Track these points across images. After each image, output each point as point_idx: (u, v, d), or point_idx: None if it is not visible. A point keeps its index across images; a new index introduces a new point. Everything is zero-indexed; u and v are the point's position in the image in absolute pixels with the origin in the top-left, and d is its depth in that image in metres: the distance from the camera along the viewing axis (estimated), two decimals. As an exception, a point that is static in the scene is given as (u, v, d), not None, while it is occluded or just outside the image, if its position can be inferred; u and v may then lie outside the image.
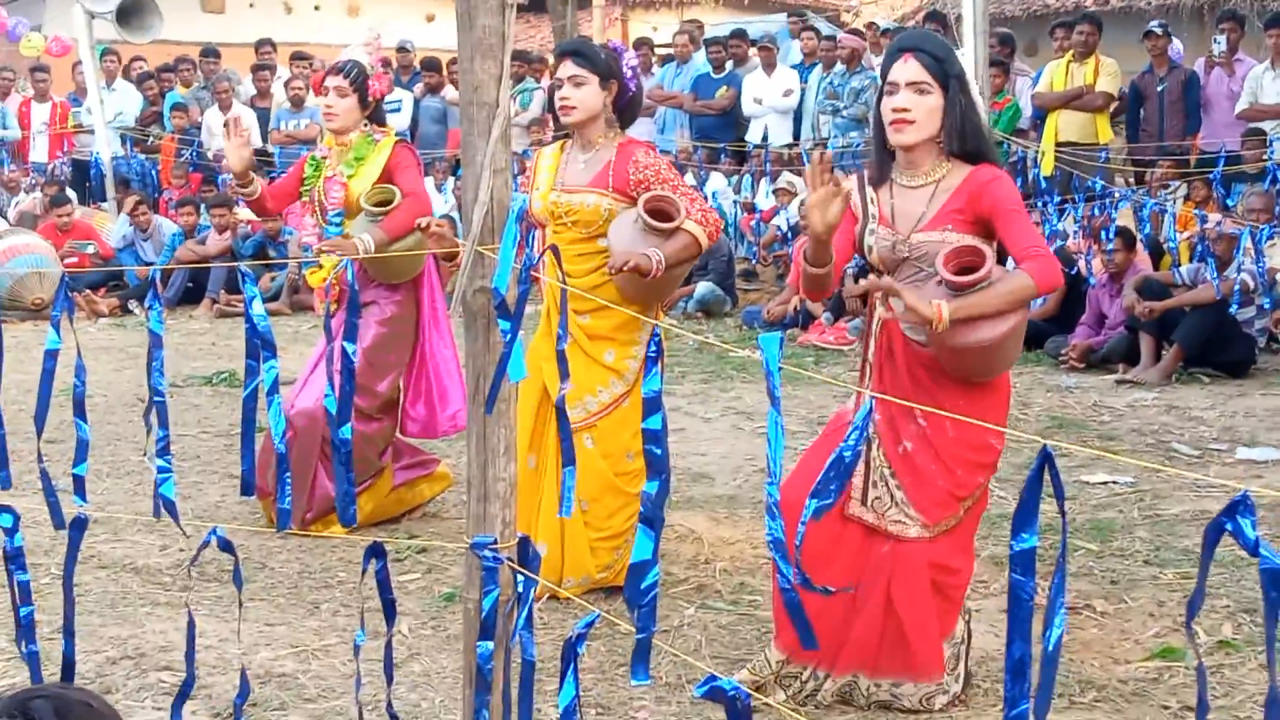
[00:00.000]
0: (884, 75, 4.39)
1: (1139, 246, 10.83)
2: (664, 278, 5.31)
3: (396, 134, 6.63)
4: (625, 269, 5.18)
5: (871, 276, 4.21)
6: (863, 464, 4.42)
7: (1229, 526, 1.80)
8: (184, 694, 3.24)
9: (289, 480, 3.20)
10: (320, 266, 6.35)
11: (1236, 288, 9.73)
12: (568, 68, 5.51)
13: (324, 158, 6.54)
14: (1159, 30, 12.92)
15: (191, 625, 3.28)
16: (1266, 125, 12.08)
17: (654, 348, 2.49)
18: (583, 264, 5.53)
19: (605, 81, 5.55)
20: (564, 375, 2.91)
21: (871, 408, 3.10)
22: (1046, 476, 2.02)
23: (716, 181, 14.75)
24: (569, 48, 5.70)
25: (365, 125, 6.49)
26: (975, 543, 4.73)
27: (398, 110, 15.59)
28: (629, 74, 5.59)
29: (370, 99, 6.48)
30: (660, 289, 5.44)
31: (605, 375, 5.48)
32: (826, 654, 4.48)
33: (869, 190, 4.43)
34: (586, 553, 5.57)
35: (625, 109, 5.65)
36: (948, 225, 4.29)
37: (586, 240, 5.53)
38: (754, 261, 14.63)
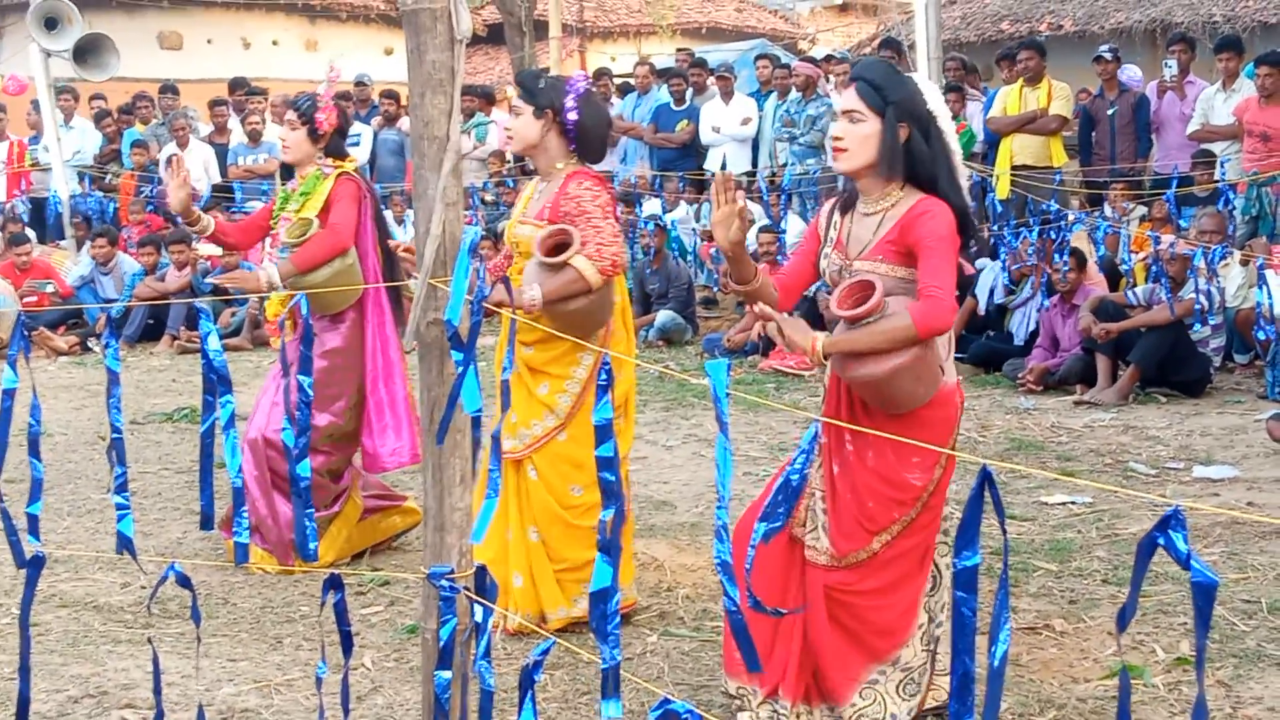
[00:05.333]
0: None
1: (1092, 267, 10.94)
2: (569, 312, 5.28)
3: (355, 168, 6.61)
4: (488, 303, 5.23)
5: (760, 305, 4.26)
6: (810, 485, 4.48)
7: (1161, 540, 1.84)
8: (155, 731, 3.25)
9: (245, 514, 3.21)
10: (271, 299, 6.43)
11: (1197, 307, 9.82)
12: (513, 97, 5.58)
13: (293, 191, 6.59)
14: (1108, 55, 13.05)
15: (156, 662, 3.29)
16: (1217, 147, 12.21)
17: (604, 376, 2.52)
18: None
19: (540, 111, 5.52)
20: (505, 405, 2.93)
21: (817, 432, 3.15)
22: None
23: (678, 210, 14.81)
24: (516, 77, 5.76)
25: (320, 159, 6.52)
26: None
27: (356, 144, 15.61)
28: (568, 104, 5.50)
29: (319, 132, 6.50)
30: (575, 322, 5.31)
31: (539, 409, 5.49)
32: (771, 679, 4.51)
33: (835, 215, 4.49)
34: (554, 584, 5.58)
35: (577, 139, 5.56)
36: (879, 256, 4.34)
37: None
38: (714, 289, 14.69)
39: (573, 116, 5.49)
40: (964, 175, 4.50)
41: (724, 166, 15.13)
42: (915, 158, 4.35)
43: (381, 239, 6.59)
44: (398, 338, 6.55)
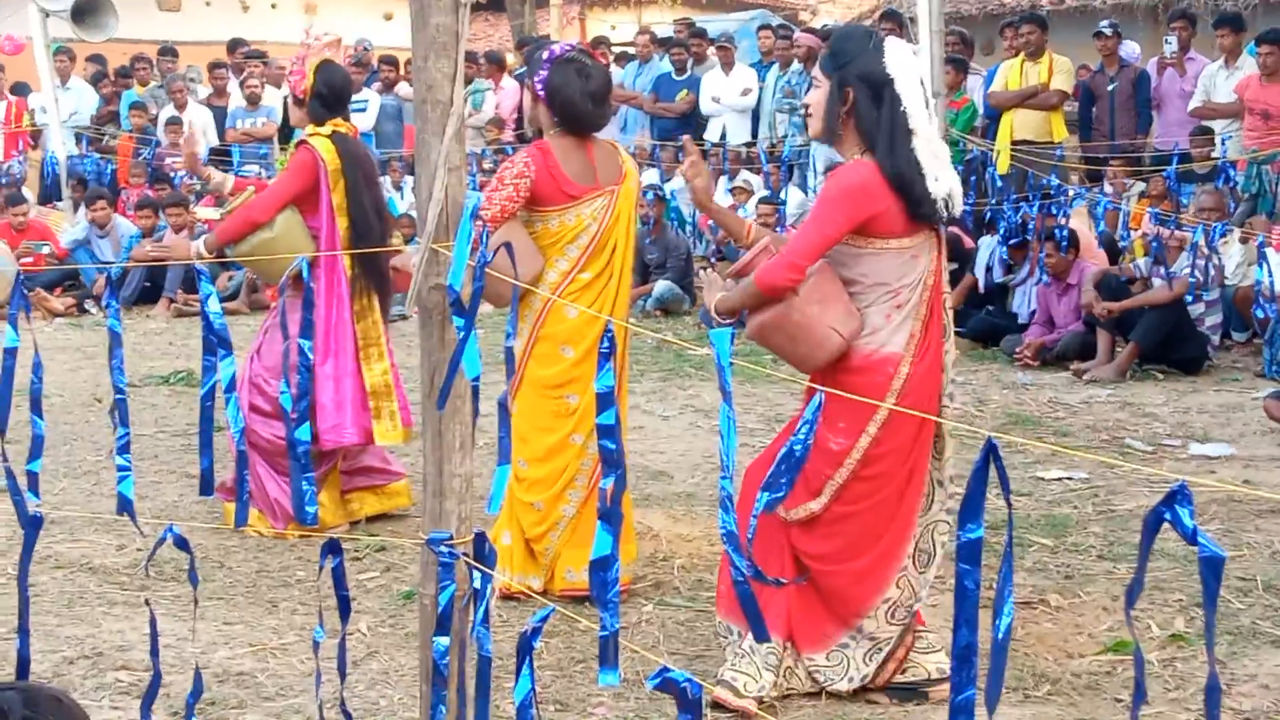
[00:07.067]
0: None
1: (1092, 244, 10.91)
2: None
3: (330, 133, 6.45)
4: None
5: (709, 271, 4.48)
6: None
7: (1167, 516, 1.83)
8: (151, 693, 3.24)
9: (248, 477, 3.21)
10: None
11: (1191, 280, 9.79)
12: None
13: None
14: (1108, 30, 13.02)
15: (153, 624, 3.28)
16: (1217, 124, 12.19)
17: (606, 343, 2.51)
18: None
19: (524, 83, 5.60)
20: (509, 372, 2.92)
21: (821, 402, 3.22)
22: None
23: (677, 180, 14.77)
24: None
25: (306, 125, 6.49)
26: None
27: (363, 110, 15.53)
28: (538, 75, 5.47)
29: (296, 96, 6.49)
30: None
31: None
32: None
33: None
34: (525, 550, 5.60)
35: (552, 109, 5.50)
36: None
37: None
38: (712, 260, 14.67)
39: (539, 87, 5.46)
40: (924, 139, 4.37)
41: (723, 137, 15.10)
42: (858, 121, 4.38)
43: (352, 209, 6.42)
44: (351, 315, 6.41)
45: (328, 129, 6.43)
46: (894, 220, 4.36)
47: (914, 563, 4.58)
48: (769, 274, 4.34)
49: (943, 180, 4.37)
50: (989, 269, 11.40)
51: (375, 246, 6.35)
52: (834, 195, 4.37)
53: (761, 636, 2.50)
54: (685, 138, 5.22)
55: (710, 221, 14.38)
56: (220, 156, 15.47)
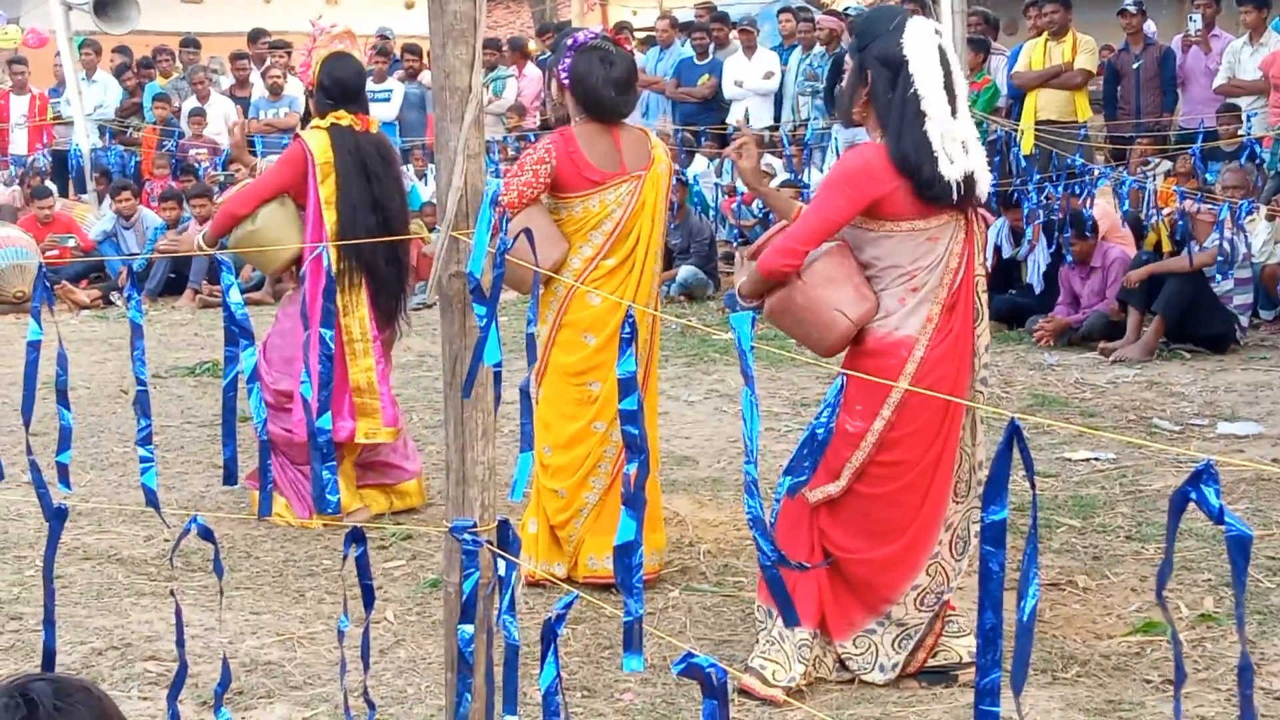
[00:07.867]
0: None
1: (1117, 223, 10.83)
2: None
3: (329, 125, 6.39)
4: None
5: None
6: None
7: (1194, 496, 1.82)
8: (178, 684, 3.25)
9: (271, 467, 3.21)
10: None
11: (1220, 257, 9.71)
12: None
13: None
14: (1133, 8, 12.94)
15: (179, 614, 3.29)
16: (1243, 101, 12.11)
17: (628, 329, 2.50)
18: None
19: (549, 71, 5.60)
20: (531, 359, 2.92)
21: (842, 385, 3.23)
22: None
23: (698, 164, 14.75)
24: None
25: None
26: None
27: (387, 100, 15.53)
28: (562, 63, 5.45)
29: (307, 88, 6.51)
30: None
31: None
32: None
33: None
34: (550, 537, 5.60)
35: (578, 98, 5.47)
36: None
37: None
38: (736, 245, 14.63)
39: (563, 75, 5.46)
40: (937, 121, 4.30)
41: (747, 120, 15.05)
42: (875, 103, 4.37)
43: (340, 203, 6.33)
44: (338, 309, 6.28)
45: (327, 121, 6.41)
46: (903, 203, 4.32)
47: (950, 550, 4.55)
48: (767, 258, 4.35)
49: (959, 162, 4.30)
50: (997, 247, 11.29)
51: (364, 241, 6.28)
52: (835, 179, 4.37)
53: (791, 620, 2.50)
54: (739, 119, 5.24)
55: (734, 206, 14.40)
56: (244, 147, 15.48)
